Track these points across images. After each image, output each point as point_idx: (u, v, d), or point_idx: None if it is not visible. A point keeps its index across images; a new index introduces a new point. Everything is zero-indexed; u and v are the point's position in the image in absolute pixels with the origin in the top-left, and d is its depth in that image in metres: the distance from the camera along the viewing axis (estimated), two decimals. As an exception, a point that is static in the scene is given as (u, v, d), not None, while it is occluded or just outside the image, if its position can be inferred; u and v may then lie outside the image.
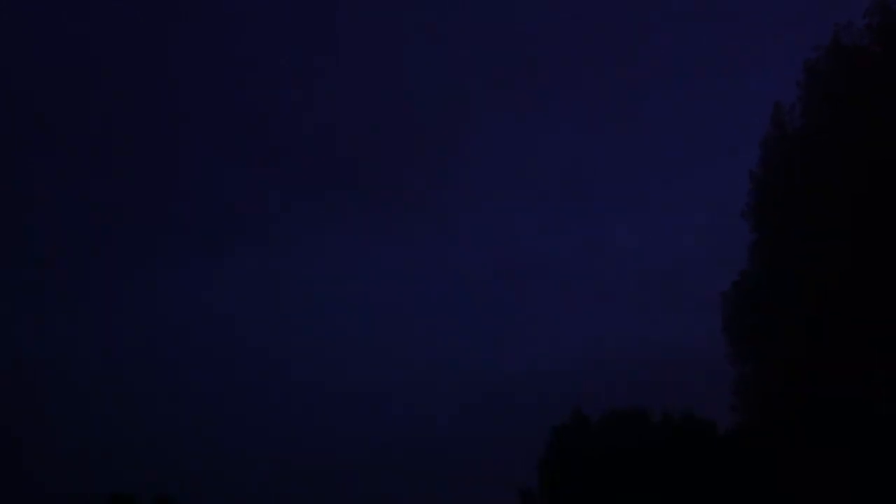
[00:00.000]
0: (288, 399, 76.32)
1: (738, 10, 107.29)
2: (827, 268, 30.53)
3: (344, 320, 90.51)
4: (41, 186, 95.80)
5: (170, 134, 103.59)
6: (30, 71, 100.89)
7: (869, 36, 30.96)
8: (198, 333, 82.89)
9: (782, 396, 32.89)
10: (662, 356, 66.05)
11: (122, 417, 70.93)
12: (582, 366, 69.70)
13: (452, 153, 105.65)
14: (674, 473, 43.48)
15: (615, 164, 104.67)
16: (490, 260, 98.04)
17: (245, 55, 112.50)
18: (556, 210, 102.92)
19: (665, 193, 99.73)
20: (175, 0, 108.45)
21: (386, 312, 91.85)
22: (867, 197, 29.60)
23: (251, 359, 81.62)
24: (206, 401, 73.85)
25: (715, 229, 72.14)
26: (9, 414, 63.65)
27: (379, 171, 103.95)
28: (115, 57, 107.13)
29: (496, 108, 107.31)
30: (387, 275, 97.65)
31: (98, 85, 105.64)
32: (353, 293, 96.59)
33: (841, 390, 30.86)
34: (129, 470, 62.60)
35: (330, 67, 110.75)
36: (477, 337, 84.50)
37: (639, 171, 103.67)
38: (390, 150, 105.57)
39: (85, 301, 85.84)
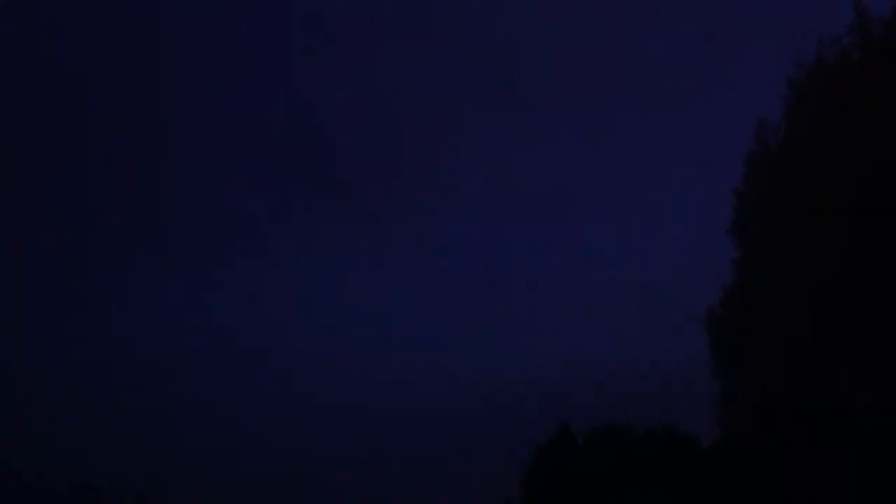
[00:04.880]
0: (279, 405, 76.39)
1: (720, 33, 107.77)
2: (811, 282, 30.71)
3: (334, 331, 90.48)
4: (38, 195, 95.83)
5: (166, 147, 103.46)
6: (29, 77, 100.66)
7: (852, 52, 31.23)
8: (193, 340, 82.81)
9: (767, 409, 33.00)
10: (645, 369, 66.13)
11: (119, 421, 70.93)
12: (566, 378, 69.71)
13: (442, 167, 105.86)
14: (657, 488, 43.60)
15: (600, 179, 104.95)
16: (477, 272, 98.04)
17: (239, 71, 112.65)
18: (543, 224, 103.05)
19: (649, 209, 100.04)
20: (174, 10, 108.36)
21: (374, 323, 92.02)
22: (851, 212, 29.79)
23: (245, 365, 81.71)
24: (201, 405, 73.81)
25: (698, 245, 72.39)
26: (7, 416, 63.65)
27: (371, 184, 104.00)
28: (116, 70, 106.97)
29: (484, 123, 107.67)
30: (376, 286, 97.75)
31: (100, 96, 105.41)
32: (343, 304, 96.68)
33: (826, 401, 31.04)
34: (122, 471, 62.68)
35: (323, 83, 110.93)
36: (463, 349, 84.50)
37: (623, 187, 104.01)
38: (382, 163, 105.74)
39: (82, 309, 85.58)
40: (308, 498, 64.05)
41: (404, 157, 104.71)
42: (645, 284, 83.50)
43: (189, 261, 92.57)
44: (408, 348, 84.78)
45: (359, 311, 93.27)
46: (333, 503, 64.93)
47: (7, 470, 59.41)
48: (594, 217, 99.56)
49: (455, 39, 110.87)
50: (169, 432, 69.63)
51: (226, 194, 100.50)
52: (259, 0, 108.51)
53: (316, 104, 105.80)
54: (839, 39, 32.13)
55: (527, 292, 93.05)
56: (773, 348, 32.78)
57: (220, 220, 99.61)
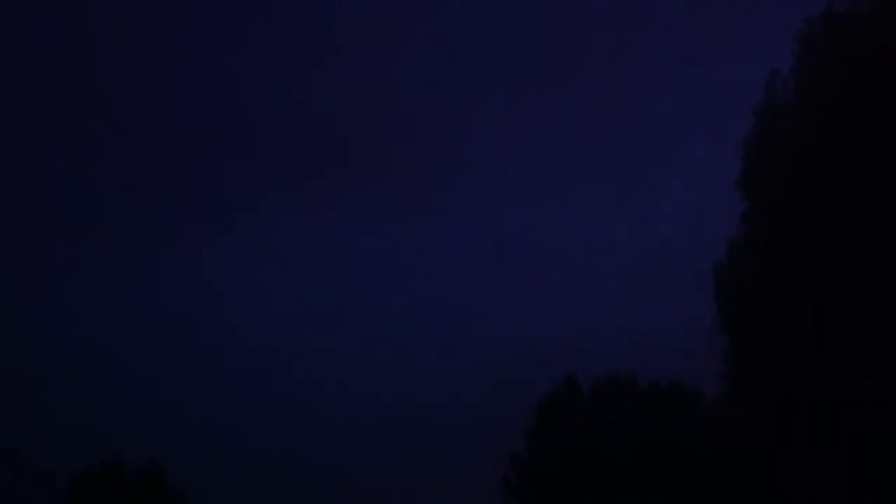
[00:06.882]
0: (278, 372, 77.05)
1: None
2: (819, 239, 30.78)
3: (334, 298, 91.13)
4: (28, 171, 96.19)
5: (161, 123, 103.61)
6: (21, 60, 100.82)
7: (861, 4, 31.22)
8: (189, 317, 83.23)
9: (772, 368, 33.08)
10: (647, 335, 66.62)
11: (114, 399, 71.38)
12: (568, 344, 70.26)
13: (443, 140, 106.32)
14: (661, 440, 43.93)
15: (601, 148, 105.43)
16: (479, 243, 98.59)
17: (237, 45, 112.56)
18: (545, 195, 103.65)
19: (649, 175, 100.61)
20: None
21: (376, 291, 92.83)
22: (863, 166, 29.75)
23: (241, 340, 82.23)
24: (196, 384, 74.30)
25: (700, 211, 72.67)
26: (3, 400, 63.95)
27: (371, 155, 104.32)
28: (109, 50, 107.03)
29: (486, 97, 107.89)
30: (377, 254, 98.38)
31: (91, 76, 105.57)
32: (343, 272, 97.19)
33: (832, 359, 31.16)
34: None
35: (324, 55, 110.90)
36: (466, 316, 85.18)
37: (623, 153, 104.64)
38: (382, 136, 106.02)
39: (76, 290, 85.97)
40: (311, 456, 64.54)
41: (407, 136, 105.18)
42: (648, 252, 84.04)
43: (185, 239, 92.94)
44: (413, 315, 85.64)
45: (359, 281, 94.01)
46: (336, 462, 65.47)
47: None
48: (596, 186, 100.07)
49: (449, 29, 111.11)
50: (168, 430, 69.89)
51: (223, 170, 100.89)
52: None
53: (315, 87, 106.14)
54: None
55: (529, 261, 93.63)
56: (778, 304, 32.78)
57: (214, 195, 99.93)
